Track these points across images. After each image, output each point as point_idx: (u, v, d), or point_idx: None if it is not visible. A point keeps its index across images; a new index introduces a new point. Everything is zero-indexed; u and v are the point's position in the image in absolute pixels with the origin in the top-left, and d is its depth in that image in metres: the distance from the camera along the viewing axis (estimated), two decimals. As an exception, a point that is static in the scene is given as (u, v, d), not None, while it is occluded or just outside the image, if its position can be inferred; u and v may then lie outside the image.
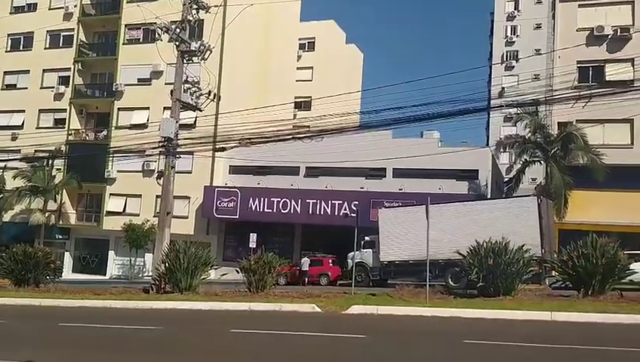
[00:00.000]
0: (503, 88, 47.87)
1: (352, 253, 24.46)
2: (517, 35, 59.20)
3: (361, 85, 55.77)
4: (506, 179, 36.64)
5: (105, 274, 38.98)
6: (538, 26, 58.18)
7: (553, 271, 19.77)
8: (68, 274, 38.06)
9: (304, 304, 16.27)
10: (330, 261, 30.06)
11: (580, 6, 30.80)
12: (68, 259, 40.05)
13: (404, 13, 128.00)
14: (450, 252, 20.32)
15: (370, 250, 26.92)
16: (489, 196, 30.57)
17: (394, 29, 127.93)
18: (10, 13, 43.83)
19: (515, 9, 59.84)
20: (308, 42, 50.60)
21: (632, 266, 17.15)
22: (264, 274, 18.67)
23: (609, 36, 29.87)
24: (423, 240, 18.01)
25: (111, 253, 39.60)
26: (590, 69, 30.14)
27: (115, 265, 39.53)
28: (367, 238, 26.87)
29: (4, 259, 21.87)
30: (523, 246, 17.47)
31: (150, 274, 24.46)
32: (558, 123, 29.79)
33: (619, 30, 29.61)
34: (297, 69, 47.71)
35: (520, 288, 17.24)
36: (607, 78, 28.84)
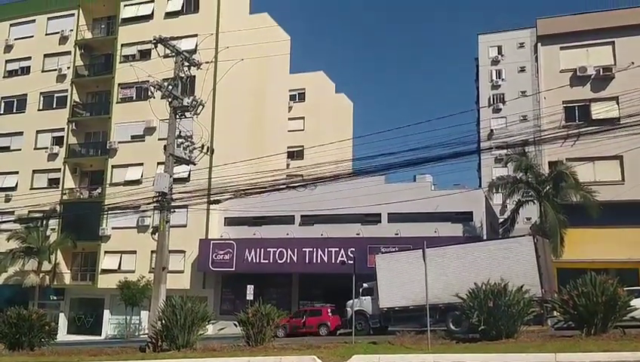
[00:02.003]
0: (492, 130, 48.66)
1: (351, 300, 24.19)
2: (502, 79, 60.59)
3: (352, 133, 56.62)
4: (501, 220, 36.71)
5: (100, 334, 38.22)
6: (522, 69, 59.66)
7: (555, 311, 19.60)
8: (63, 335, 37.32)
9: (304, 356, 15.97)
10: (329, 310, 29.65)
11: (561, 48, 31.64)
12: (63, 320, 39.30)
13: (391, 61, 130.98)
14: (450, 295, 20.14)
15: (369, 297, 26.61)
16: (485, 237, 30.54)
17: (382, 77, 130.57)
18: (3, 77, 44.54)
19: (498, 54, 61.45)
20: (298, 93, 51.62)
21: (632, 303, 17.02)
22: (262, 327, 18.37)
23: (592, 76, 30.57)
24: (422, 285, 17.88)
25: (106, 312, 38.95)
26: (576, 108, 30.72)
27: (110, 324, 38.83)
28: (365, 285, 26.62)
29: (-3, 322, 21.46)
30: (522, 286, 17.36)
31: (146, 332, 24.04)
32: (549, 162, 30.13)
33: (601, 70, 30.34)
34: (289, 119, 48.41)
35: (522, 330, 17.03)
36: (594, 117, 29.38)
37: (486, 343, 15.98)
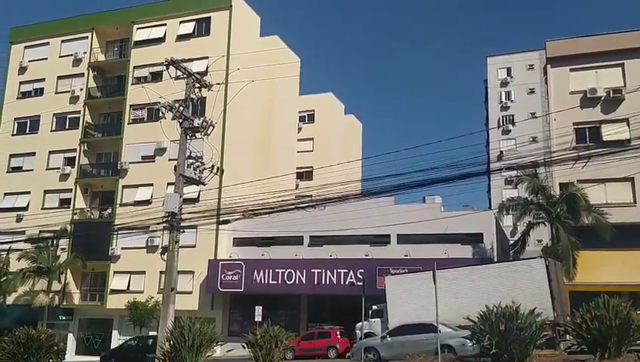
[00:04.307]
0: (502, 152, 48.56)
1: (360, 323, 23.98)
2: (512, 100, 60.55)
3: (361, 153, 56.67)
4: (512, 242, 36.40)
5: (108, 355, 38.02)
6: (532, 91, 59.65)
7: (567, 335, 19.32)
8: (71, 356, 37.25)
9: (313, 378, 15.83)
10: (338, 332, 29.37)
11: (571, 70, 31.67)
12: (71, 341, 39.23)
13: (401, 82, 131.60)
14: (461, 318, 19.93)
15: (379, 319, 26.36)
16: (495, 259, 30.28)
17: (392, 98, 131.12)
18: (17, 99, 45.12)
19: (507, 75, 61.52)
20: (308, 114, 51.89)
21: (646, 327, 16.72)
22: (271, 349, 18.21)
23: (602, 98, 30.51)
24: (432, 307, 17.72)
25: (115, 333, 38.80)
26: (587, 129, 30.61)
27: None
28: (374, 307, 26.40)
29: (6, 342, 21.44)
30: (534, 309, 17.14)
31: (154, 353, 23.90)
32: (560, 184, 29.95)
33: (611, 92, 30.29)
34: (298, 140, 48.62)
35: (535, 354, 16.77)
36: (605, 138, 29.26)
37: (497, 367, 15.74)
